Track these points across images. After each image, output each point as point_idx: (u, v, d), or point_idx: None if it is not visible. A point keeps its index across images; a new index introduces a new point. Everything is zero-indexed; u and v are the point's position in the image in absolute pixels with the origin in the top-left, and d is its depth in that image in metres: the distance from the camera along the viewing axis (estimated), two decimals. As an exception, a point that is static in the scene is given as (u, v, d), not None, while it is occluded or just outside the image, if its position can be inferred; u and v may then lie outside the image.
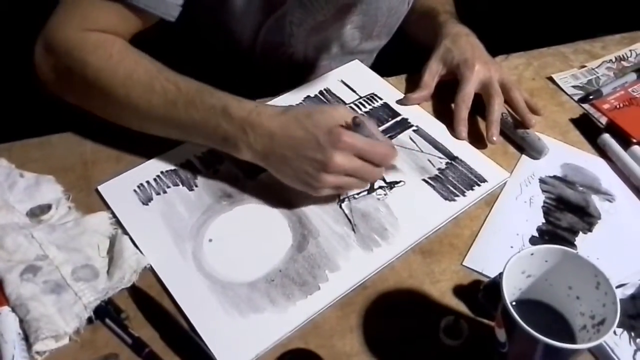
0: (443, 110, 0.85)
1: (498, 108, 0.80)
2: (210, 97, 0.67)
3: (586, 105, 0.87)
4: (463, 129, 0.79)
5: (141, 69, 0.69)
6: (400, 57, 0.98)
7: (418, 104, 0.84)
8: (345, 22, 0.88)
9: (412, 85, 0.87)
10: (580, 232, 0.70)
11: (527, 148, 0.80)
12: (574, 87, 0.90)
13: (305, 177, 0.65)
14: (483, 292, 0.62)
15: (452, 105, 0.83)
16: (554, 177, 0.76)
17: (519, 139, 0.81)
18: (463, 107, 0.80)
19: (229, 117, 0.66)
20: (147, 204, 0.69)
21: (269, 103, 0.82)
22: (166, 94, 0.68)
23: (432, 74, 0.85)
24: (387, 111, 0.83)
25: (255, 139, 0.65)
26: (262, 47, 0.85)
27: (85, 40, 0.70)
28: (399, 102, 0.84)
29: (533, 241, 0.69)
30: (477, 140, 0.80)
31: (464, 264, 0.66)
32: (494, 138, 0.79)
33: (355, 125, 0.65)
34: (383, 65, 0.96)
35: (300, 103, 0.83)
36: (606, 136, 0.80)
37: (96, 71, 0.69)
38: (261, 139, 0.65)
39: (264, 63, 0.87)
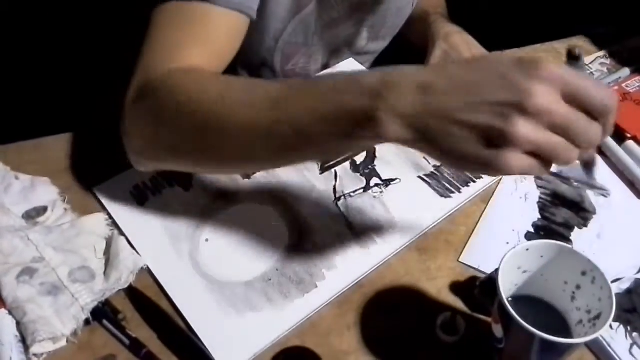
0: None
1: None
2: (327, 80, 0.51)
3: (580, 101, 0.87)
4: None
5: (237, 81, 0.59)
6: (397, 59, 0.98)
7: None
8: (356, 20, 0.88)
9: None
10: (576, 227, 0.70)
11: None
12: (567, 83, 0.90)
13: (488, 135, 0.42)
14: (479, 289, 0.62)
15: None
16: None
17: None
18: None
19: (356, 87, 0.46)
20: (143, 205, 0.69)
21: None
22: (270, 93, 0.52)
23: None
24: (382, 109, 0.83)
25: (400, 99, 0.44)
26: (286, 43, 0.84)
27: (171, 74, 0.60)
28: None
29: (529, 237, 0.69)
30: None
31: (460, 260, 0.66)
32: None
33: (571, 59, 0.46)
34: (380, 66, 0.96)
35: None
36: (600, 131, 0.80)
37: (188, 92, 0.57)
38: (409, 97, 0.44)
39: (283, 54, 0.86)
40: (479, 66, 0.44)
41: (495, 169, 0.42)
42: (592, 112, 0.43)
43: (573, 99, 0.42)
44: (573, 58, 0.47)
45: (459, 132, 0.43)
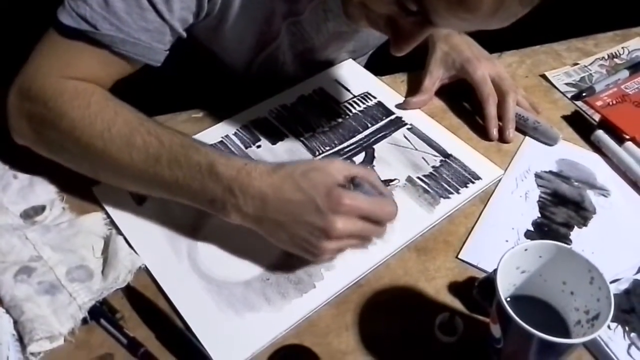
0: (436, 108, 0.85)
1: (513, 104, 0.81)
2: (196, 154, 0.61)
3: (579, 103, 0.87)
4: (495, 129, 0.80)
5: (121, 120, 0.63)
6: (394, 55, 0.98)
7: (418, 108, 0.84)
8: (335, 47, 0.88)
9: (412, 85, 0.87)
10: (575, 227, 0.70)
11: (541, 137, 0.81)
12: (567, 84, 0.90)
13: (303, 243, 0.60)
14: (478, 289, 0.62)
15: (465, 104, 0.85)
16: (550, 172, 0.76)
17: (530, 130, 0.81)
18: (492, 104, 0.81)
19: (215, 176, 0.60)
20: (141, 204, 0.69)
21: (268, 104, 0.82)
22: (148, 148, 0.62)
23: (433, 79, 0.84)
24: (382, 110, 0.83)
25: (246, 202, 0.60)
26: (256, 73, 0.85)
27: (63, 89, 0.64)
28: (398, 106, 0.84)
29: (528, 235, 0.69)
30: (471, 137, 0.81)
31: (459, 257, 0.66)
32: (512, 136, 0.80)
33: (355, 186, 0.61)
34: (376, 64, 0.96)
35: (294, 103, 0.83)
36: (600, 132, 0.80)
37: (72, 121, 0.63)
38: (252, 201, 0.60)
39: (258, 80, 0.87)
40: (304, 189, 0.59)
41: (310, 256, 0.62)
42: (378, 222, 0.61)
43: (365, 218, 0.60)
44: (356, 185, 0.61)
45: (283, 235, 0.61)
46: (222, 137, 0.78)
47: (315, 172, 0.60)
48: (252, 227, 0.62)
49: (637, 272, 0.65)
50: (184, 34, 0.69)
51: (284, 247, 0.62)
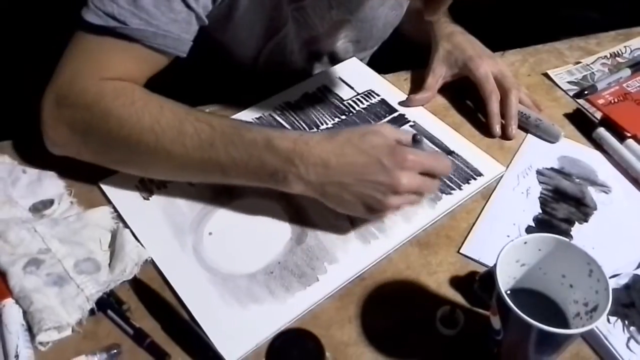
0: (439, 105, 0.86)
1: (516, 101, 0.82)
2: (249, 132, 0.63)
3: (581, 101, 0.87)
4: (498, 125, 0.81)
5: (168, 112, 0.64)
6: (397, 54, 0.99)
7: (421, 106, 0.85)
8: (339, 37, 0.89)
9: (415, 83, 0.88)
10: (576, 223, 0.71)
11: (542, 134, 0.81)
12: (569, 82, 0.91)
13: (370, 201, 0.62)
14: (479, 283, 0.63)
15: (468, 102, 0.86)
16: (551, 169, 0.77)
17: (532, 127, 0.82)
18: (494, 101, 0.81)
19: (273, 149, 0.62)
20: (148, 199, 0.70)
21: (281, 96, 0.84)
22: (200, 134, 0.63)
23: (436, 77, 0.85)
24: (385, 107, 0.84)
25: (307, 170, 0.62)
26: (264, 64, 0.87)
27: (103, 90, 0.65)
28: (402, 103, 0.85)
29: (529, 231, 0.69)
30: (473, 134, 0.81)
31: (460, 251, 0.67)
32: (514, 133, 0.81)
33: (415, 142, 0.64)
34: (379, 63, 0.97)
35: (298, 100, 0.84)
36: (602, 130, 0.81)
37: (119, 120, 0.64)
38: (314, 168, 0.62)
39: (265, 73, 0.88)
40: (366, 150, 0.62)
41: (374, 214, 0.65)
42: (436, 175, 0.65)
43: (425, 172, 0.63)
44: (416, 141, 0.65)
45: (348, 197, 0.63)
46: (228, 134, 0.78)
47: (372, 134, 0.63)
48: (313, 195, 0.64)
49: (636, 268, 0.65)
50: (207, 21, 0.70)
51: (345, 209, 0.64)
